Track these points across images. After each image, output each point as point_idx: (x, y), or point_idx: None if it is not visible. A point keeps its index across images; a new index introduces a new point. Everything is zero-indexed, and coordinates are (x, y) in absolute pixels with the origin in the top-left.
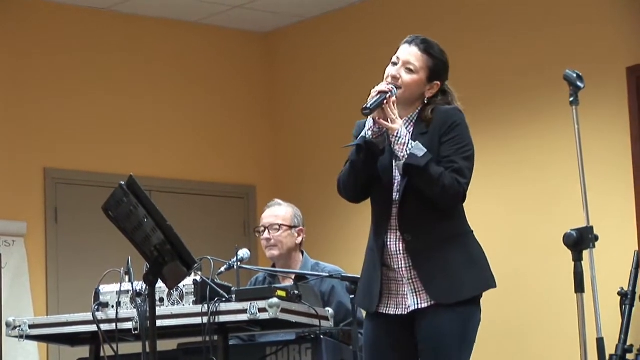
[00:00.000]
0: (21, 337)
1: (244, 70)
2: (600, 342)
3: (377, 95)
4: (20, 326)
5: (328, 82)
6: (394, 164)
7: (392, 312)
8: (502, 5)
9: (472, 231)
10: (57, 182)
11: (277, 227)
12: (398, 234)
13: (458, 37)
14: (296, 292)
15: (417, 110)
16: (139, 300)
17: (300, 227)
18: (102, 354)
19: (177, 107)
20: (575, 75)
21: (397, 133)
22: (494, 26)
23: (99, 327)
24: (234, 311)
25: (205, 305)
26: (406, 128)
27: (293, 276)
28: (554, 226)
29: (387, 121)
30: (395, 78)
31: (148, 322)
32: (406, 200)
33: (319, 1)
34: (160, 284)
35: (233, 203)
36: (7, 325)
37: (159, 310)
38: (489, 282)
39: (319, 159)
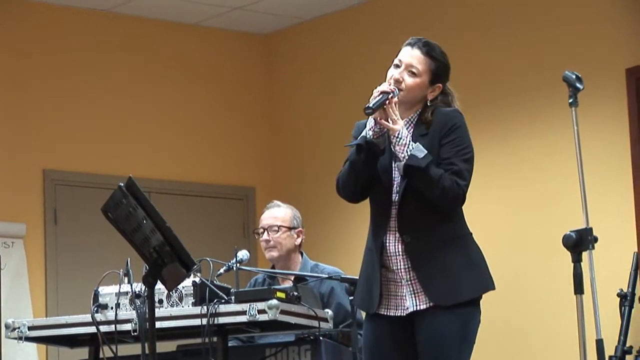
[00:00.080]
0: (20, 338)
1: (243, 72)
2: (599, 343)
3: (379, 95)
4: (19, 328)
5: (327, 83)
6: (393, 165)
7: (392, 314)
8: (502, 5)
9: (471, 233)
10: (57, 184)
11: (276, 228)
12: (397, 235)
13: (458, 38)
14: (295, 293)
15: (418, 112)
16: (138, 301)
17: (300, 229)
18: (101, 356)
19: (176, 109)
20: (574, 77)
21: (398, 134)
22: (494, 26)
23: (98, 329)
24: (233, 313)
25: (205, 307)
26: (406, 129)
27: (292, 277)
28: (554, 227)
29: (389, 121)
30: (398, 81)
31: (147, 324)
32: (405, 202)
33: (318, 3)
34: (159, 286)
35: (232, 204)
36: (6, 326)
37: (158, 312)
38: (488, 284)
39: (318, 160)
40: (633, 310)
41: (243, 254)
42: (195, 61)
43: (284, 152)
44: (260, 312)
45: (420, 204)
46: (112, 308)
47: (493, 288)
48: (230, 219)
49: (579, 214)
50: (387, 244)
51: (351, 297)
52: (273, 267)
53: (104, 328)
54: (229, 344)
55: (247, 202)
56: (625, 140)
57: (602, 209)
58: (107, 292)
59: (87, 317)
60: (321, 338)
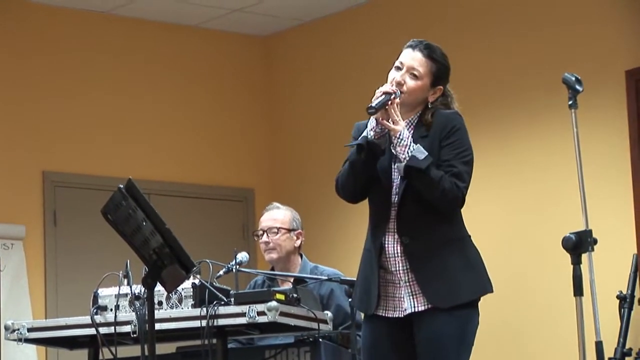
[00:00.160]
0: (20, 340)
1: (243, 74)
2: (599, 345)
3: (382, 95)
4: (18, 329)
5: (327, 85)
6: (393, 166)
7: (390, 315)
8: (502, 6)
9: (470, 236)
10: (56, 185)
11: (276, 230)
12: (396, 236)
13: (458, 38)
14: (295, 295)
15: (418, 114)
16: (137, 303)
17: (299, 230)
18: (100, 357)
19: (176, 111)
20: (574, 79)
21: (400, 135)
22: (494, 26)
23: (97, 331)
24: (232, 314)
25: (204, 309)
26: (407, 131)
27: (292, 279)
28: (553, 228)
29: (390, 122)
30: (399, 84)
31: (147, 326)
32: (405, 203)
33: (317, 5)
34: (159, 287)
35: (232, 206)
36: (6, 328)
37: (158, 314)
38: (486, 287)
39: (317, 162)
40: (632, 312)
41: (242, 255)
42: (195, 63)
43: (284, 154)
44: (260, 314)
45: (420, 205)
46: (111, 310)
47: (491, 291)
48: (229, 220)
49: (579, 215)
50: (386, 245)
51: (350, 299)
52: (272, 269)
53: (103, 330)
54: (229, 346)
55: (246, 203)
56: (624, 142)
57: (602, 210)
58: (107, 293)
59: (87, 319)
60: (320, 340)
